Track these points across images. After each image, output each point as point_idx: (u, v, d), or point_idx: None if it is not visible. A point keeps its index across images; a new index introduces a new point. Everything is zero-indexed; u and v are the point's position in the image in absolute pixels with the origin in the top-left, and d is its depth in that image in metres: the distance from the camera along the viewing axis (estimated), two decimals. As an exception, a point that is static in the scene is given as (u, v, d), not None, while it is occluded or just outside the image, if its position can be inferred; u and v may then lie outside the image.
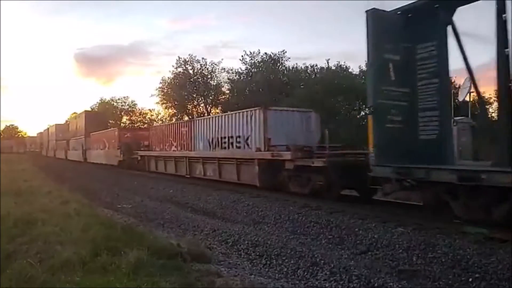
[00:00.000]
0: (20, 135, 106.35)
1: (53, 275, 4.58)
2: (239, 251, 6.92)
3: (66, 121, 66.84)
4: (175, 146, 19.50)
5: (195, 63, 42.61)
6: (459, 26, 7.77)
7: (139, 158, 24.35)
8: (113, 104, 63.51)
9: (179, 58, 42.82)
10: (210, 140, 16.08)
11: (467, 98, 17.95)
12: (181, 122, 20.28)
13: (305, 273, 5.68)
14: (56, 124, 59.73)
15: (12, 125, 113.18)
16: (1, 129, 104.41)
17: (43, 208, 9.15)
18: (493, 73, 7.01)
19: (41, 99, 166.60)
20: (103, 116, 48.06)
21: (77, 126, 45.27)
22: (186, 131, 18.40)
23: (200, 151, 16.84)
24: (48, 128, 65.40)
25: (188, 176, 17.65)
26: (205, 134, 16.51)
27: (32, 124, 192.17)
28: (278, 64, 38.22)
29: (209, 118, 16.75)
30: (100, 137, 33.71)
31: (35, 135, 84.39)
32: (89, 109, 53.36)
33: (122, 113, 61.87)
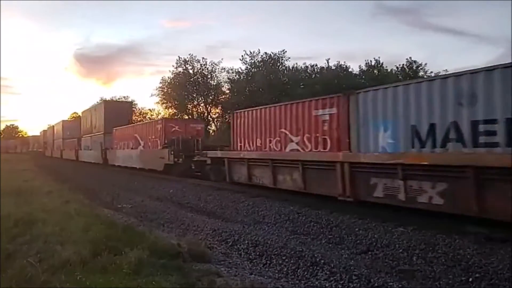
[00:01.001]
0: (21, 135, 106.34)
1: (53, 275, 4.59)
2: (239, 250, 6.92)
3: (69, 117, 61.51)
4: (299, 143, 11.31)
5: (195, 63, 42.72)
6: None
7: (208, 161, 16.08)
8: (113, 104, 63.62)
9: (179, 58, 42.95)
10: (425, 128, 7.91)
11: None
12: (317, 100, 10.84)
13: (305, 273, 5.69)
14: (63, 121, 52.62)
15: (12, 125, 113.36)
16: (2, 128, 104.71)
17: (44, 208, 9.17)
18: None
19: (41, 99, 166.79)
20: (127, 106, 36.98)
21: (92, 121, 36.48)
22: (332, 115, 10.18)
23: (388, 153, 8.55)
24: (53, 126, 58.01)
25: (351, 200, 9.35)
26: (401, 116, 8.36)
27: (32, 124, 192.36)
28: (278, 64, 38.28)
29: (419, 83, 8.27)
30: (129, 132, 26.17)
31: (39, 133, 78.34)
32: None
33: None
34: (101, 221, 7.67)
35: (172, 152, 19.14)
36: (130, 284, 4.30)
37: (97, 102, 63.48)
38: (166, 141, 20.32)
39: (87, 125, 38.42)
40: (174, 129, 21.15)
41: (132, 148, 25.26)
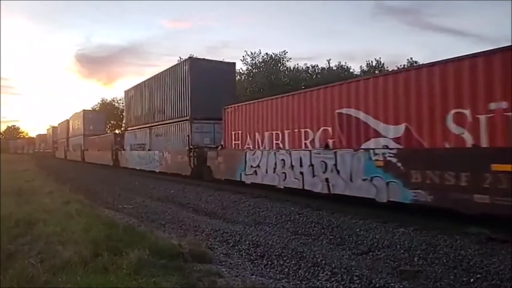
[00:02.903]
0: (22, 135, 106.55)
1: (54, 275, 4.59)
2: (240, 251, 6.92)
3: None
4: None
5: (196, 64, 42.56)
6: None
7: None
8: (114, 104, 63.72)
9: (180, 58, 42.92)
10: None
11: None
12: None
13: (306, 274, 5.68)
14: (84, 111, 40.79)
15: (14, 125, 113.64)
16: (3, 129, 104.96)
17: (45, 208, 9.18)
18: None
19: (42, 100, 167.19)
20: (228, 69, 19.30)
21: (153, 102, 22.19)
22: None
23: None
24: (68, 120, 46.72)
25: None
26: None
27: (33, 124, 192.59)
28: (279, 64, 38.35)
29: None
30: (296, 108, 11.46)
31: (46, 132, 68.06)
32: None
33: (123, 113, 61.88)
34: (102, 222, 7.66)
35: None
36: (131, 284, 4.29)
37: (99, 102, 57.60)
38: None
39: (140, 111, 24.29)
40: None
41: (329, 147, 10.21)
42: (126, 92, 27.87)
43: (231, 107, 14.68)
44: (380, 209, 8.68)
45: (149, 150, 22.25)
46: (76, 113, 42.96)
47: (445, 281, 5.25)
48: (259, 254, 6.66)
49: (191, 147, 17.05)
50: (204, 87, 17.46)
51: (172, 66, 19.88)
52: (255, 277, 5.28)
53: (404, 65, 37.86)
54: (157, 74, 22.08)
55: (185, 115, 18.21)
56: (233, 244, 7.27)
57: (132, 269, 4.66)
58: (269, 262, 6.28)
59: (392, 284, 5.05)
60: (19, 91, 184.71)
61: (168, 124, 20.00)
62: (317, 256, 6.15)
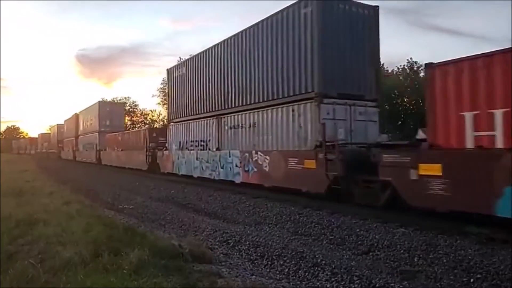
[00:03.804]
0: (22, 135, 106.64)
1: (54, 275, 4.59)
2: (240, 251, 6.92)
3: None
4: None
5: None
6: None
7: None
8: (115, 104, 63.71)
9: (180, 58, 42.93)
10: None
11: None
12: None
13: (306, 274, 5.68)
14: (100, 102, 34.61)
15: (13, 125, 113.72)
16: (3, 129, 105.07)
17: (45, 208, 9.19)
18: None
19: (43, 100, 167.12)
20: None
21: (252, 79, 13.28)
22: None
23: None
24: (77, 115, 41.24)
25: None
26: None
27: (33, 125, 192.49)
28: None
29: None
30: None
31: (49, 130, 64.72)
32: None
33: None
34: (102, 222, 7.67)
35: None
36: (131, 285, 4.29)
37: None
38: None
39: (199, 94, 16.98)
40: None
41: None
42: (170, 72, 20.41)
43: (456, 62, 7.35)
44: (380, 209, 8.69)
45: (217, 149, 15.36)
46: (88, 107, 36.51)
47: (445, 281, 5.26)
48: (259, 254, 6.66)
49: (327, 143, 10.04)
50: (337, 44, 10.88)
51: (274, 14, 12.37)
52: (255, 277, 5.28)
53: (404, 65, 37.80)
54: (234, 35, 14.33)
55: (304, 90, 11.05)
56: (233, 244, 7.27)
57: (133, 270, 4.66)
58: (269, 262, 6.28)
59: (392, 284, 5.05)
60: (19, 91, 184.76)
61: (263, 110, 12.72)
62: (317, 256, 6.15)
